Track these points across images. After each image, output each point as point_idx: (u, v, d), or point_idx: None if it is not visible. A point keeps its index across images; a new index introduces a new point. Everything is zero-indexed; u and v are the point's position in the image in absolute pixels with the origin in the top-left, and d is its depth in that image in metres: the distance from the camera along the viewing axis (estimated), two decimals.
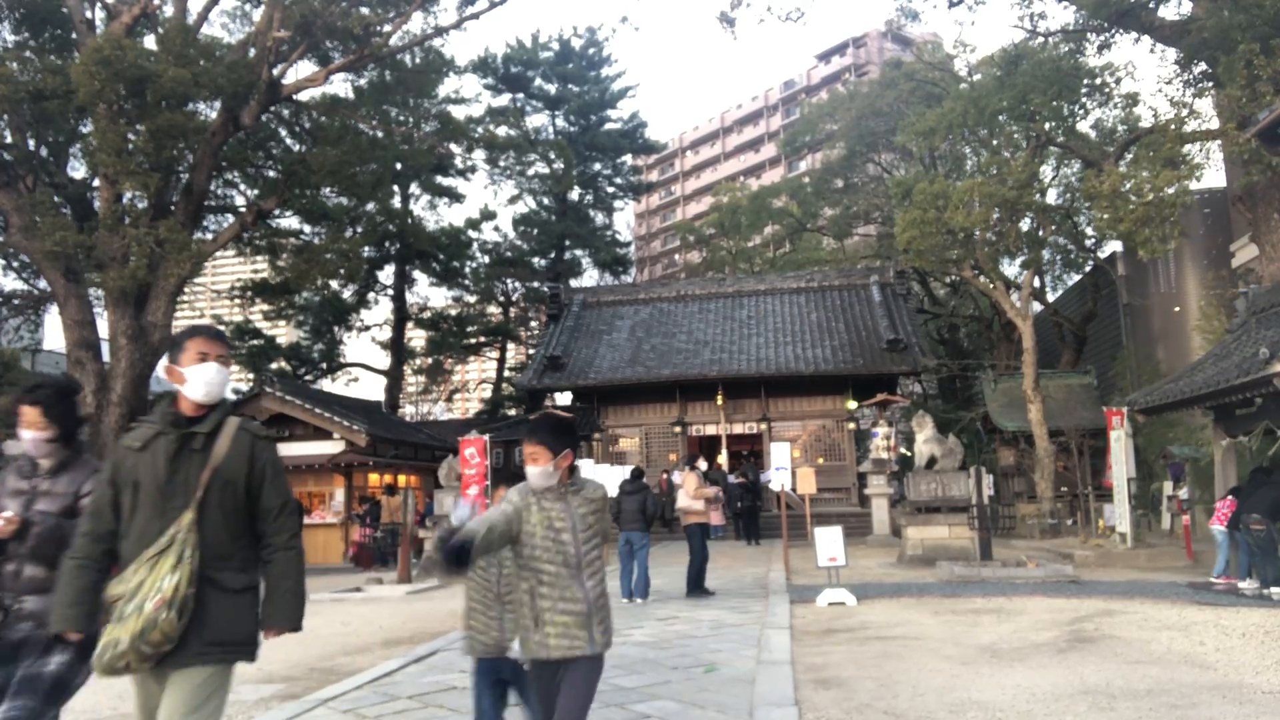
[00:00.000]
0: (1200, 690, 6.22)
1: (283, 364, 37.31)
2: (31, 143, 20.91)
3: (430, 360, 41.97)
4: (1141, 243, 18.32)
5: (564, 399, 31.29)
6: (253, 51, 20.37)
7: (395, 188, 36.57)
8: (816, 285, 31.04)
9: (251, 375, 35.50)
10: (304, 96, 22.27)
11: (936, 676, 6.90)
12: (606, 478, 16.40)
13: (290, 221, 27.78)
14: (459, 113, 33.01)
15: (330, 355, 39.54)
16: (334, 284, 34.17)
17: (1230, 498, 12.47)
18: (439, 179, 39.85)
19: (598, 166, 45.84)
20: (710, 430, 28.08)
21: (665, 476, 24.56)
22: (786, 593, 12.26)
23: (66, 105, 19.24)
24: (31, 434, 3.67)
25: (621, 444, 28.56)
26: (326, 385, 38.35)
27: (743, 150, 78.81)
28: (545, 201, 44.16)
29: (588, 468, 21.68)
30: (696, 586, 12.32)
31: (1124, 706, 5.84)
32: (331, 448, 24.12)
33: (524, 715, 4.11)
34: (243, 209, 23.80)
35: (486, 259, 42.27)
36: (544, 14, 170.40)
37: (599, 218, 46.17)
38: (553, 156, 41.33)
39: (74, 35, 20.96)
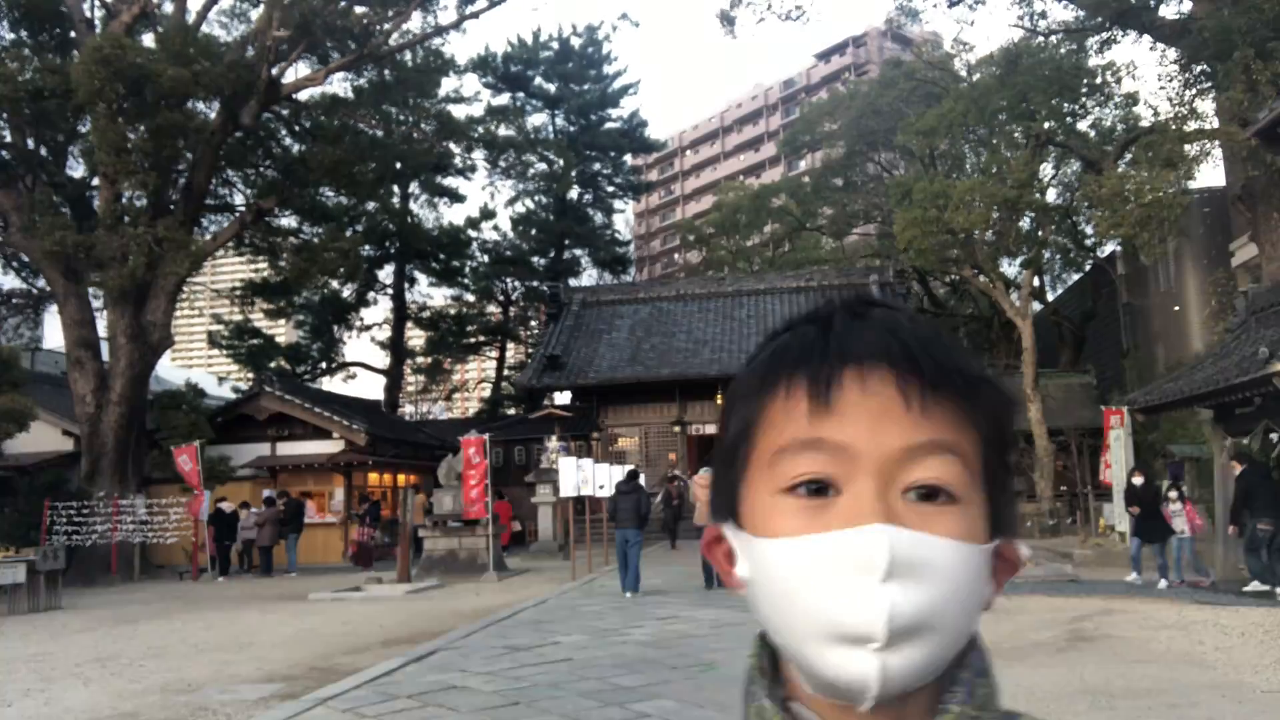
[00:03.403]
0: (1199, 689, 6.22)
1: (282, 363, 37.27)
2: (31, 142, 20.89)
3: (430, 359, 41.95)
4: (1141, 246, 18.35)
5: (563, 398, 31.29)
6: (252, 51, 20.36)
7: (395, 187, 36.51)
8: (816, 284, 31.01)
9: (251, 374, 35.47)
10: (303, 96, 22.29)
11: None
12: (606, 478, 16.37)
13: (290, 221, 27.74)
14: (459, 112, 32.95)
15: (329, 354, 39.51)
16: (333, 283, 34.16)
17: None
18: (439, 178, 39.76)
19: (597, 166, 45.76)
20: (710, 429, 28.05)
21: (674, 484, 23.83)
22: None
23: (66, 104, 19.22)
24: None
25: (621, 443, 28.54)
26: (326, 384, 38.34)
27: (742, 149, 78.75)
28: (545, 201, 44.06)
29: (587, 467, 21.59)
30: (721, 583, 12.72)
31: (1124, 705, 5.84)
32: (331, 447, 24.11)
33: None
34: (242, 208, 23.78)
35: (486, 258, 42.21)
36: (544, 13, 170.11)
37: (599, 217, 46.12)
38: (552, 156, 41.29)
39: (73, 34, 20.94)
